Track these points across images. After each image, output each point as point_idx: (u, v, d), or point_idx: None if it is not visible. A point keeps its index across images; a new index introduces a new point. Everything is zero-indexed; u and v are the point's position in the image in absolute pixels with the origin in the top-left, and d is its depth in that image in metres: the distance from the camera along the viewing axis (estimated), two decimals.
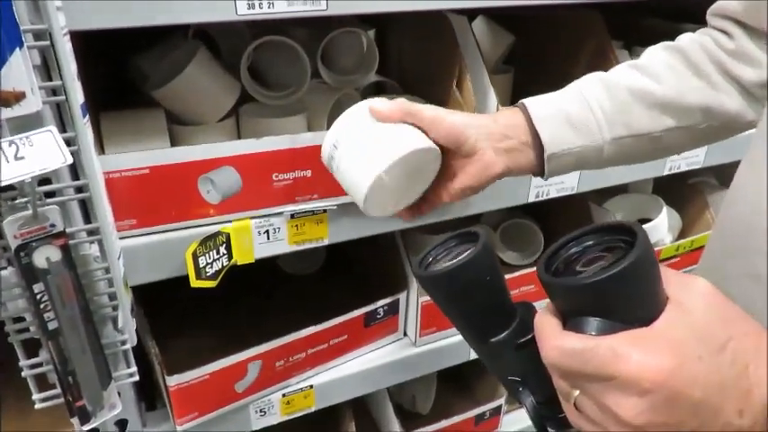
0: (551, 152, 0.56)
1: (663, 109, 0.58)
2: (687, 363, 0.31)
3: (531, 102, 0.57)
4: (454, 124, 0.54)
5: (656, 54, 0.60)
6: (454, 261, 0.42)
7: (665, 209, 1.14)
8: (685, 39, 0.61)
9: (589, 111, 0.57)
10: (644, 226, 1.13)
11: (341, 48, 0.85)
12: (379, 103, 0.55)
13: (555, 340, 0.34)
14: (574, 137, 0.56)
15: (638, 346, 0.31)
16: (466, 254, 0.41)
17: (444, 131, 0.54)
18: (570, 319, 0.35)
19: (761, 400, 0.31)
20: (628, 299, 0.33)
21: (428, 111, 0.54)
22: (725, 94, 0.58)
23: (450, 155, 0.56)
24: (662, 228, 1.14)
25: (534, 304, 0.44)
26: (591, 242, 0.36)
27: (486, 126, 0.55)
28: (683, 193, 1.24)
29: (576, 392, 0.34)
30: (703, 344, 0.31)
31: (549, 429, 0.45)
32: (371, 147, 0.53)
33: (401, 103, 0.55)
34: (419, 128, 0.55)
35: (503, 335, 0.43)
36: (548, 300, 0.37)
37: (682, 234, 1.23)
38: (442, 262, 0.44)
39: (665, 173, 1.02)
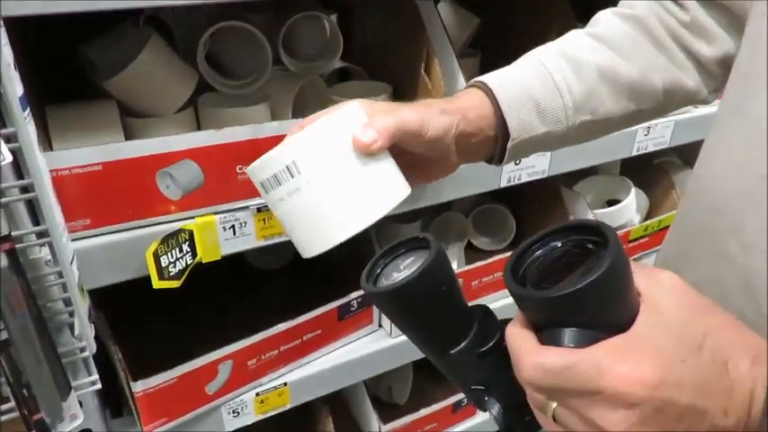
0: (515, 141, 0.53)
1: (629, 93, 0.56)
2: (672, 369, 0.30)
3: (496, 84, 0.52)
4: (437, 134, 0.47)
5: (614, 24, 0.57)
6: (405, 273, 0.38)
7: (633, 190, 1.15)
8: (639, 7, 0.57)
9: (559, 97, 0.53)
10: (613, 207, 1.13)
11: (303, 33, 0.82)
12: (361, 131, 0.43)
13: (533, 357, 0.32)
14: (540, 124, 0.53)
15: (621, 358, 0.30)
16: (418, 265, 0.37)
17: (427, 143, 0.47)
18: (544, 331, 0.33)
19: (742, 398, 0.31)
20: (604, 305, 0.32)
21: (411, 119, 0.46)
22: (684, 71, 0.57)
23: (415, 157, 0.50)
24: (631, 208, 1.15)
25: (493, 306, 0.42)
26: (558, 243, 0.35)
27: (459, 127, 0.50)
28: (649, 173, 1.26)
29: (554, 405, 0.33)
30: (683, 345, 0.31)
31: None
32: (357, 193, 0.44)
33: (385, 127, 0.44)
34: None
35: (462, 345, 0.40)
36: (515, 307, 0.35)
37: (649, 214, 1.25)
38: (390, 273, 0.40)
39: (634, 153, 1.02)
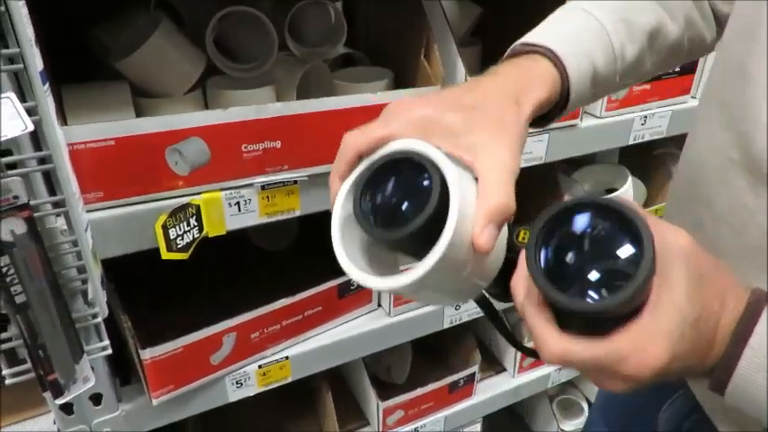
0: (566, 109, 0.49)
1: (668, 52, 0.54)
2: (674, 347, 0.33)
3: (566, 53, 0.45)
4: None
5: None
6: (417, 210, 0.36)
7: (630, 178, 1.17)
8: None
9: (613, 63, 0.49)
10: (610, 195, 1.15)
11: (308, 19, 0.84)
12: (480, 231, 0.36)
13: (557, 346, 0.34)
14: (591, 89, 0.49)
15: (638, 348, 0.33)
16: (426, 193, 0.36)
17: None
18: (563, 314, 0.35)
19: (718, 352, 0.35)
20: (630, 303, 0.33)
21: (516, 164, 0.39)
22: (709, 27, 0.56)
23: None
24: (627, 197, 1.17)
25: None
26: (585, 228, 0.34)
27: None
28: (648, 164, 1.27)
29: None
30: (685, 321, 0.33)
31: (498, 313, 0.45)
32: (477, 278, 0.41)
33: (502, 214, 0.37)
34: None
35: None
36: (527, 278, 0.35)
37: (646, 204, 1.27)
38: (383, 198, 0.39)
39: (631, 142, 1.04)
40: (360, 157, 0.40)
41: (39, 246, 0.55)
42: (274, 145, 0.69)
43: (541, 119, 0.47)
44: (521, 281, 0.36)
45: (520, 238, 0.40)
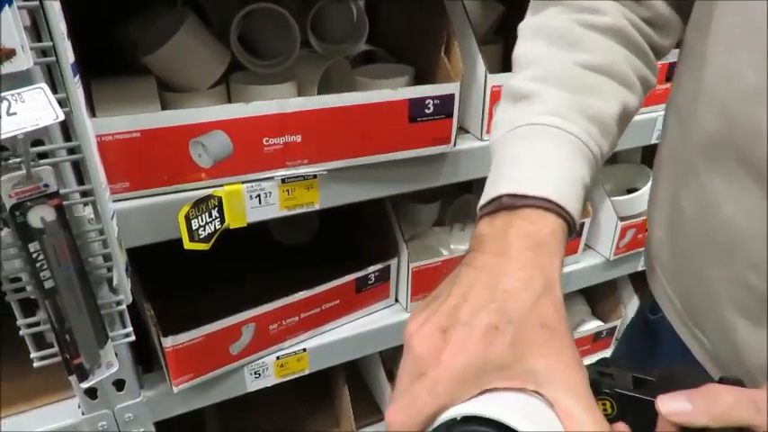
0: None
1: (631, 118, 0.51)
2: None
3: (567, 202, 0.40)
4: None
5: (601, 45, 0.47)
6: None
7: (652, 178, 1.15)
8: (610, 13, 0.47)
9: (596, 171, 0.46)
10: (631, 195, 1.14)
11: (331, 16, 0.86)
12: None
13: None
14: (585, 198, 0.44)
15: None
16: None
17: None
18: None
19: None
20: None
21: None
22: (652, 70, 0.51)
23: None
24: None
25: None
26: None
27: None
28: None
29: None
30: None
31: None
32: None
33: None
34: None
35: None
36: None
37: None
38: None
39: (653, 141, 1.03)
40: None
41: (67, 233, 0.57)
42: (295, 139, 0.70)
43: None
44: None
45: (608, 411, 0.37)
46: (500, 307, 0.35)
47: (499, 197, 0.40)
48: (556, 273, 0.37)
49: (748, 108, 0.39)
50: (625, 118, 0.47)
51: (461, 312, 0.35)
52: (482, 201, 0.42)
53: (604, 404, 0.36)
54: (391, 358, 1.15)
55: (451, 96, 0.76)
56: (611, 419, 0.36)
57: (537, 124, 0.43)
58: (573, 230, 0.41)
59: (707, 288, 0.47)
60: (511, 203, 0.40)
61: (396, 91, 0.73)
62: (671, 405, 0.34)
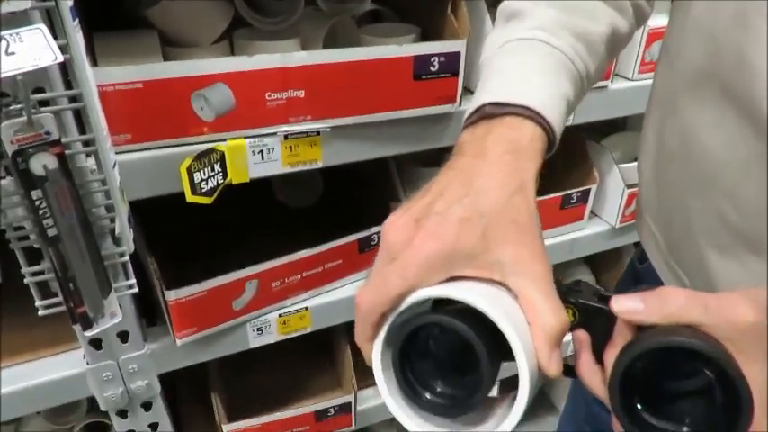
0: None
1: (619, 46, 0.52)
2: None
3: (550, 114, 0.41)
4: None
5: None
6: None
7: None
8: None
9: (581, 90, 0.48)
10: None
11: None
12: (547, 360, 0.35)
13: None
14: (566, 116, 0.46)
15: None
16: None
17: None
18: None
19: None
20: None
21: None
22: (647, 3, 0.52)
23: None
24: None
25: None
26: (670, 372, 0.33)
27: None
28: None
29: None
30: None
31: None
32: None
33: (555, 330, 0.35)
34: None
35: None
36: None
37: None
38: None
39: None
40: (383, 315, 0.37)
41: (69, 182, 0.57)
42: (298, 94, 0.69)
43: None
44: (594, 377, 0.36)
45: (570, 318, 0.38)
46: (474, 201, 0.36)
47: (482, 106, 0.41)
48: (531, 176, 0.38)
49: (731, 36, 0.39)
50: (615, 41, 0.47)
51: (436, 206, 0.36)
52: (466, 114, 0.43)
53: (567, 312, 0.38)
54: None
55: (457, 54, 0.75)
56: (573, 326, 0.38)
57: (524, 39, 0.44)
58: (552, 144, 0.42)
59: (687, 221, 0.47)
60: (492, 112, 0.41)
61: (401, 47, 0.72)
62: (624, 304, 0.34)
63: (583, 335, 0.37)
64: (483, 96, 0.42)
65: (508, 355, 0.33)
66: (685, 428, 0.33)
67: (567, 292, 0.38)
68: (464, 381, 0.36)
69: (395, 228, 0.36)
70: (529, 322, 0.34)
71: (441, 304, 0.36)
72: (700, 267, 0.47)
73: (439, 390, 0.37)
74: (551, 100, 0.41)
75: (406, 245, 0.35)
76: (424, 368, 0.37)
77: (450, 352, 0.37)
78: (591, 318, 0.37)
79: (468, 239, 0.35)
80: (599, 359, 0.37)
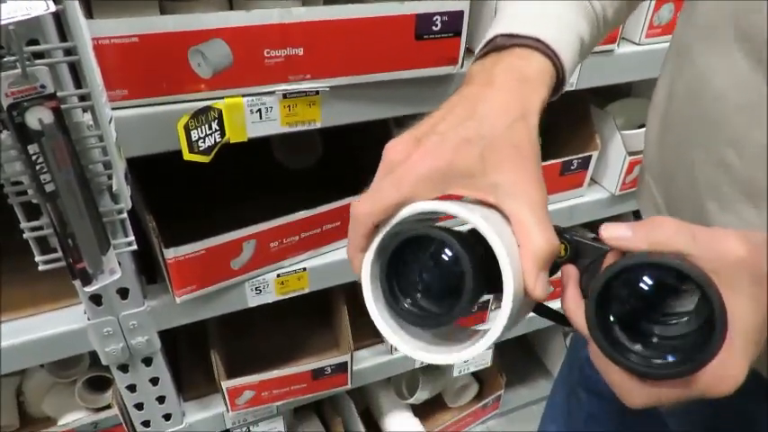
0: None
1: None
2: (751, 356, 0.32)
3: (561, 48, 0.41)
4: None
5: None
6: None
7: None
8: None
9: (597, 34, 0.48)
10: (641, 129, 1.12)
11: None
12: (533, 281, 0.35)
13: (642, 397, 0.33)
14: (577, 61, 0.46)
15: (718, 378, 0.32)
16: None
17: None
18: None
19: None
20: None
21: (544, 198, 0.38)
22: None
23: None
24: None
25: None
26: (645, 286, 0.33)
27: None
28: None
29: None
30: (756, 330, 0.32)
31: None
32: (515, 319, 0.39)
33: (544, 252, 0.35)
34: None
35: None
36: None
37: None
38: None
39: None
40: (376, 227, 0.37)
41: (66, 137, 0.57)
42: (297, 52, 0.68)
43: None
44: (577, 310, 0.36)
45: (561, 254, 0.39)
46: (476, 125, 0.36)
47: (494, 38, 0.42)
48: (535, 107, 0.38)
49: None
50: None
51: (438, 127, 0.37)
52: (477, 48, 0.44)
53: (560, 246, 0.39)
54: None
55: (460, 13, 0.73)
56: (564, 261, 0.38)
57: None
58: (562, 81, 0.42)
59: (688, 176, 0.47)
60: (503, 43, 0.41)
61: (402, 5, 0.70)
62: (613, 231, 0.35)
63: (572, 269, 0.38)
64: (495, 29, 0.42)
65: (495, 283, 0.34)
66: (657, 355, 0.33)
67: (560, 230, 0.38)
68: (447, 301, 0.36)
69: (395, 145, 0.37)
70: (519, 244, 0.34)
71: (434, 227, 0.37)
72: (699, 222, 0.47)
73: (420, 303, 0.38)
74: (563, 35, 0.41)
75: (404, 161, 0.36)
76: (410, 282, 0.38)
77: (439, 274, 0.37)
78: (582, 254, 0.38)
79: (466, 159, 0.35)
80: (586, 296, 0.37)
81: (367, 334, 1.14)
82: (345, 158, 1.09)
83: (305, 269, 0.88)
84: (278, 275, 0.87)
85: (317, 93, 0.72)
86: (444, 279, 0.37)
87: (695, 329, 0.32)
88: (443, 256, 0.36)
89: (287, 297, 0.90)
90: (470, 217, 0.34)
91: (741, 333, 0.31)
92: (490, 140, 0.35)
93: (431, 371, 1.32)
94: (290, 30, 0.66)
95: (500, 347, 1.31)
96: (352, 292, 1.04)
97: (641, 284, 0.33)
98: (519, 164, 0.36)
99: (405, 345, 0.37)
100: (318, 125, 0.75)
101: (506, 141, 0.36)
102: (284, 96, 0.70)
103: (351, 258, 0.39)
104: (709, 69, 0.44)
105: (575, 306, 0.36)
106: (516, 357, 1.60)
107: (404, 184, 0.35)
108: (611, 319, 0.34)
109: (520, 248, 0.34)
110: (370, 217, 0.36)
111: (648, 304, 0.34)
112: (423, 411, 1.38)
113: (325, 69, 0.71)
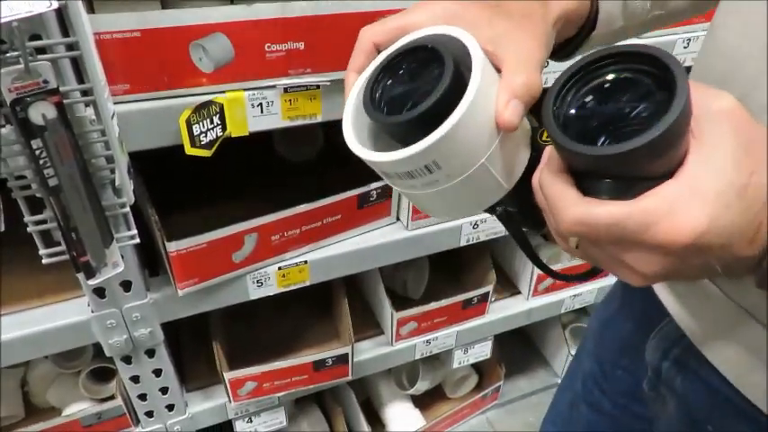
0: (595, 35, 0.46)
1: None
2: (717, 217, 0.29)
3: None
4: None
5: None
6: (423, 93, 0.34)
7: None
8: None
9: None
10: None
11: None
12: (504, 106, 0.34)
13: (576, 211, 0.30)
14: (620, 17, 0.47)
15: (669, 211, 0.28)
16: (436, 81, 0.34)
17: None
18: (585, 180, 0.31)
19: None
20: (662, 156, 0.29)
21: (544, 55, 0.38)
22: None
23: None
24: None
25: None
26: (607, 75, 0.30)
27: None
28: None
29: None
30: (731, 189, 0.29)
31: (523, 229, 0.43)
32: (497, 175, 0.37)
33: (528, 92, 0.35)
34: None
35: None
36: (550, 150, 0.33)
37: None
38: (397, 89, 0.37)
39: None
40: (377, 50, 0.39)
41: (68, 131, 0.57)
42: (298, 46, 0.68)
43: (562, 47, 0.46)
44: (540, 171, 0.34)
45: (544, 137, 0.38)
46: None
47: None
48: (557, 8, 0.39)
49: None
50: None
51: None
52: None
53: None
54: (391, 277, 1.18)
55: None
56: (547, 143, 0.38)
57: None
58: (594, 16, 0.43)
59: None
60: None
61: None
62: None
63: (554, 152, 0.35)
64: None
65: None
66: (606, 136, 0.30)
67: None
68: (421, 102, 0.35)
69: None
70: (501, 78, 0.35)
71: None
72: None
73: (395, 94, 0.37)
74: None
75: (425, 3, 0.38)
76: (393, 86, 0.37)
77: (421, 78, 0.37)
78: None
79: (479, 13, 0.37)
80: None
81: (368, 326, 1.15)
82: (346, 150, 1.09)
83: (306, 262, 0.89)
84: (279, 268, 0.87)
85: (318, 87, 0.72)
86: (426, 83, 0.36)
87: (649, 112, 0.29)
88: (431, 65, 0.36)
89: (288, 290, 0.90)
90: (463, 36, 0.35)
91: (713, 187, 0.29)
92: (505, 6, 0.37)
93: (431, 362, 1.33)
94: (291, 24, 0.66)
95: (500, 339, 1.32)
96: (352, 285, 1.05)
97: (603, 76, 0.31)
98: (525, 25, 0.37)
99: (358, 147, 0.38)
100: (319, 119, 0.75)
101: (520, 9, 0.37)
102: (285, 90, 0.71)
103: (346, 77, 0.40)
104: (723, 23, 0.43)
105: (546, 171, 0.33)
106: (515, 349, 1.61)
107: (412, 13, 0.37)
108: (567, 126, 0.31)
109: (501, 81, 0.35)
110: (373, 37, 0.38)
111: (609, 105, 0.31)
112: (423, 402, 1.40)
113: (325, 63, 0.71)
